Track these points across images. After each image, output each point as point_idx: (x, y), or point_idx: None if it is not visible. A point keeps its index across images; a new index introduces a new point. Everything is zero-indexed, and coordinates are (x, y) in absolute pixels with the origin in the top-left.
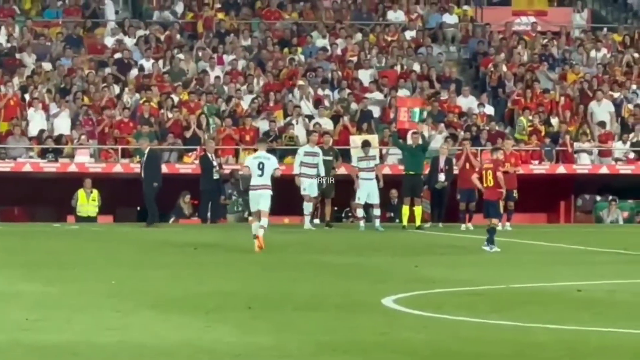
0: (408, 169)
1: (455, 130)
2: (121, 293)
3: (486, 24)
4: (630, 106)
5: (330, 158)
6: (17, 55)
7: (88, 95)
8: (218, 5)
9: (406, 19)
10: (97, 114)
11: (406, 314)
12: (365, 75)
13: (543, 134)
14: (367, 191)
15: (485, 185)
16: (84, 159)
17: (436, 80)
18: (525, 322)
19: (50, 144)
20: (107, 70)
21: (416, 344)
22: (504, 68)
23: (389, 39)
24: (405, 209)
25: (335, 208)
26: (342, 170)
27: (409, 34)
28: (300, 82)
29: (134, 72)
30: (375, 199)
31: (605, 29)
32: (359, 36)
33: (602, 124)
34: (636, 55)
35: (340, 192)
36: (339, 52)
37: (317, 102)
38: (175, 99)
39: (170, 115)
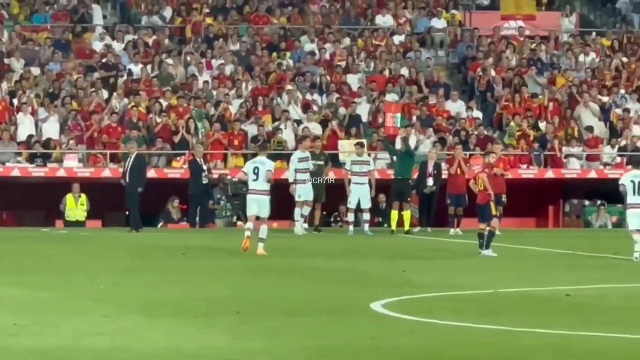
0: (397, 173)
1: (444, 134)
2: (110, 298)
3: (474, 29)
4: (619, 111)
5: (321, 162)
6: (6, 60)
7: (76, 100)
8: (206, 10)
9: (394, 24)
10: (85, 119)
11: (395, 318)
12: (353, 80)
13: (532, 138)
14: (358, 195)
15: (478, 189)
16: (72, 164)
17: (424, 85)
18: (514, 326)
19: (39, 148)
20: (96, 75)
21: (405, 348)
22: (493, 72)
23: (377, 43)
24: (394, 214)
25: (324, 212)
26: (330, 175)
27: (398, 39)
28: (289, 87)
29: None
30: (366, 204)
31: (593, 34)
32: (347, 41)
33: (589, 129)
34: (625, 59)
35: (328, 197)
36: (327, 56)
37: (306, 107)
38: (164, 103)
39: (158, 119)
